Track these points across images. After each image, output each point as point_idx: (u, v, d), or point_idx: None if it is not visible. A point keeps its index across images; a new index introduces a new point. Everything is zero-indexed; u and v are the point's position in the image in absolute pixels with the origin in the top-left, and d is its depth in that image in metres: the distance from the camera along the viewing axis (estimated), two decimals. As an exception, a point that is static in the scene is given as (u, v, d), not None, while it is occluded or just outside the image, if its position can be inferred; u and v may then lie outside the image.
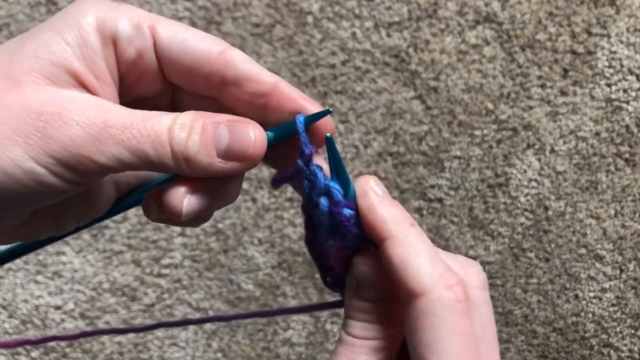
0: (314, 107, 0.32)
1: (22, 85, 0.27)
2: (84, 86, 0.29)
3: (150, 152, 0.28)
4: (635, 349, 0.89)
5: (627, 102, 0.89)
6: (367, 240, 0.30)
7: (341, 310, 0.77)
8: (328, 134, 0.31)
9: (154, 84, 0.31)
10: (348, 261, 0.31)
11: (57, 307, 0.87)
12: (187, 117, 0.29)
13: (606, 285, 0.89)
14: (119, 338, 0.87)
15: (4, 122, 0.26)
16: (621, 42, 0.89)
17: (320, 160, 0.33)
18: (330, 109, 0.31)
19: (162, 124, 0.28)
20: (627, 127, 0.89)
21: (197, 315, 0.88)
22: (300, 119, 0.31)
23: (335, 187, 0.30)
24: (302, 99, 0.32)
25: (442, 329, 0.26)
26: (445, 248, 0.89)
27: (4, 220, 0.29)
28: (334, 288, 0.33)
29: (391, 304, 0.29)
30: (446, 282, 0.27)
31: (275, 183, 0.35)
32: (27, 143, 0.26)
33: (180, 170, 0.29)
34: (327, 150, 0.31)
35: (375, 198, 0.29)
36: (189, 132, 0.29)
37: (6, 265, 0.87)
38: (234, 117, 0.31)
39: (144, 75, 0.30)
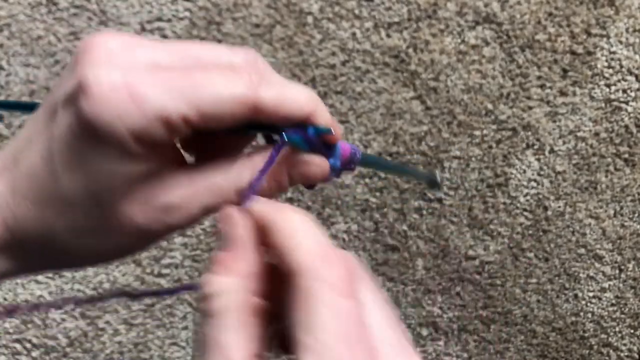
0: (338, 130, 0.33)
1: (120, 207, 0.29)
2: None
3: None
4: (635, 348, 0.89)
5: (627, 103, 0.89)
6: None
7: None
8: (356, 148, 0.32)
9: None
10: None
11: (58, 307, 0.87)
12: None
13: (605, 285, 0.89)
14: (119, 338, 0.87)
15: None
16: (620, 42, 0.89)
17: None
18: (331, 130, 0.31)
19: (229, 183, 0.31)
20: (627, 127, 0.89)
21: (198, 315, 0.88)
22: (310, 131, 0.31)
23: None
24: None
25: (318, 308, 0.25)
26: (445, 248, 0.89)
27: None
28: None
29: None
30: (327, 260, 0.26)
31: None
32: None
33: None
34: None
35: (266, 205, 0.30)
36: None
37: (7, 265, 0.87)
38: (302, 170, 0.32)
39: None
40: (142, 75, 0.27)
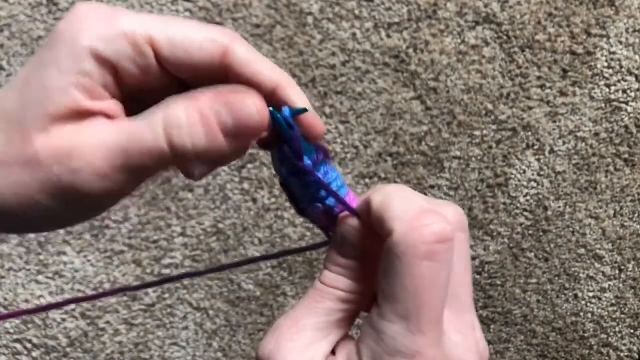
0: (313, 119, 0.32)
1: (32, 135, 0.28)
2: (88, 113, 0.29)
3: (156, 165, 0.29)
4: (635, 348, 0.89)
5: (626, 103, 0.89)
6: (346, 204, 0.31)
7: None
8: (271, 108, 0.30)
9: (160, 81, 0.31)
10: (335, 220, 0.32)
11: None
12: (181, 113, 0.28)
13: (605, 285, 0.89)
14: (120, 338, 0.87)
15: (25, 177, 0.28)
16: (620, 42, 0.89)
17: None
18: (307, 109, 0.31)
19: (156, 133, 0.28)
20: (626, 127, 0.89)
21: (198, 315, 0.88)
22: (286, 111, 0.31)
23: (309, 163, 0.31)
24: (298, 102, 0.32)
25: (401, 266, 0.27)
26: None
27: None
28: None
29: (368, 267, 0.30)
30: (416, 222, 0.27)
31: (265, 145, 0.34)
32: (50, 194, 0.29)
33: (194, 161, 0.30)
34: (279, 126, 0.30)
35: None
36: (189, 132, 0.28)
37: (7, 265, 0.87)
38: (228, 90, 0.29)
39: (148, 81, 0.30)
40: (123, 9, 0.29)
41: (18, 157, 0.28)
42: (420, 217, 0.27)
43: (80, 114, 0.29)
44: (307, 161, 0.31)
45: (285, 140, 0.30)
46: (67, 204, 0.29)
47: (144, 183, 0.32)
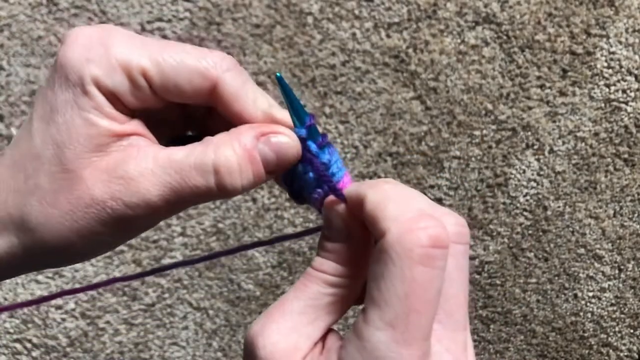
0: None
1: (80, 173, 0.29)
2: (123, 135, 0.31)
3: (202, 199, 0.30)
4: (634, 348, 0.89)
5: (626, 103, 0.89)
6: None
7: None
8: (278, 73, 0.31)
9: (161, 103, 0.32)
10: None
11: (58, 307, 0.87)
12: (230, 155, 0.30)
13: (605, 285, 0.89)
14: (120, 338, 0.87)
15: (81, 217, 0.30)
16: (620, 42, 0.89)
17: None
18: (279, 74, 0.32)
19: (207, 176, 0.30)
20: (626, 127, 0.89)
21: (198, 315, 0.88)
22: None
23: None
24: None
25: (393, 269, 0.26)
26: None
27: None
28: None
29: (355, 251, 0.30)
30: (413, 224, 0.26)
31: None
32: (103, 231, 0.30)
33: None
34: (280, 89, 0.31)
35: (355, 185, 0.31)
36: (239, 175, 0.30)
37: (7, 265, 0.87)
38: (262, 127, 0.31)
39: (149, 105, 0.31)
40: (117, 32, 0.30)
41: (70, 198, 0.29)
42: (418, 220, 0.26)
43: (118, 135, 0.30)
44: (312, 146, 0.32)
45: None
46: (114, 231, 0.30)
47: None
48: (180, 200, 0.30)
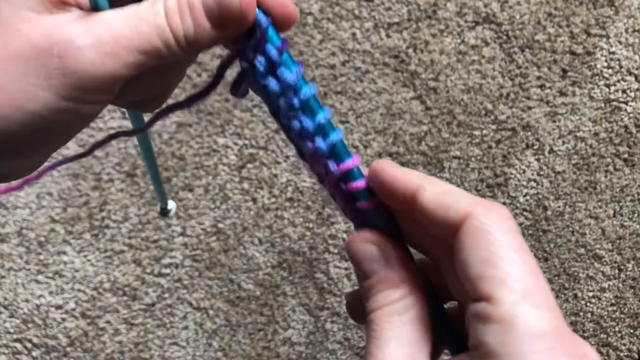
0: None
1: (18, 27, 0.26)
2: (64, 3, 0.28)
3: (161, 48, 0.28)
4: (634, 348, 0.89)
5: (626, 103, 0.89)
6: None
7: (342, 310, 0.78)
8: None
9: None
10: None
11: (58, 307, 0.87)
12: (172, 2, 0.28)
13: (605, 285, 0.89)
14: (120, 337, 0.87)
15: (22, 71, 0.26)
16: (620, 42, 0.89)
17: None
18: None
19: (160, 15, 0.28)
20: (626, 127, 0.89)
21: (198, 315, 0.88)
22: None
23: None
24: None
25: (499, 243, 0.26)
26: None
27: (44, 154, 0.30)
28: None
29: (397, 262, 0.29)
30: (488, 205, 0.27)
31: (236, 87, 0.32)
32: (52, 85, 0.26)
33: (187, 54, 0.29)
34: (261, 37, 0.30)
35: (391, 166, 0.30)
36: (181, 16, 0.28)
37: (7, 265, 0.87)
38: None
39: None
40: None
41: (9, 52, 0.26)
42: (486, 202, 0.27)
43: (57, 5, 0.27)
44: (286, 74, 0.30)
45: (261, 50, 0.30)
46: (70, 95, 0.27)
47: (143, 79, 0.31)
48: (138, 46, 0.27)
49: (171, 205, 0.49)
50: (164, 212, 0.44)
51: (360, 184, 0.30)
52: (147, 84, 0.31)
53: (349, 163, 0.30)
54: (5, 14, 0.26)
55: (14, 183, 0.37)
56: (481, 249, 0.26)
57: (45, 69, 0.26)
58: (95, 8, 0.28)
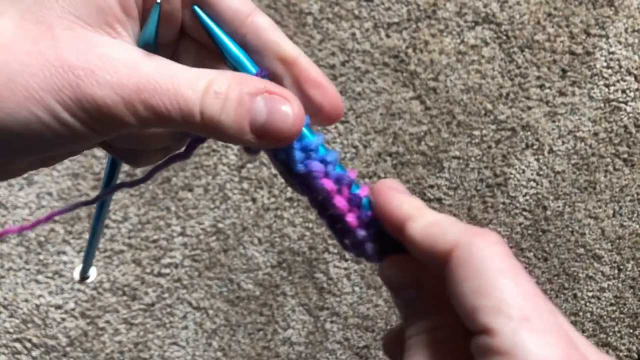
0: (330, 88, 0.30)
1: (55, 30, 0.26)
2: (115, 23, 0.27)
3: (177, 119, 0.27)
4: (634, 348, 0.89)
5: (626, 103, 0.89)
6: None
7: (342, 310, 0.79)
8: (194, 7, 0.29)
9: (170, 32, 0.30)
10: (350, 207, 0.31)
11: (58, 307, 0.87)
12: (224, 84, 0.27)
13: (604, 285, 0.89)
14: (120, 337, 0.87)
15: (37, 72, 0.25)
16: (619, 42, 0.89)
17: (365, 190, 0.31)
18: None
19: (195, 91, 0.26)
20: (626, 127, 0.89)
21: (198, 315, 0.88)
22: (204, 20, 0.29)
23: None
24: (319, 77, 0.30)
25: (488, 270, 0.25)
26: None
27: (29, 159, 0.30)
28: (352, 250, 0.32)
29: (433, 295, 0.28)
30: (476, 232, 0.26)
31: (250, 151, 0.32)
32: (60, 96, 0.26)
33: (206, 135, 0.28)
34: (206, 27, 0.29)
35: (388, 190, 0.29)
36: (224, 102, 0.27)
37: (7, 265, 0.87)
38: (272, 87, 0.28)
39: (164, 22, 0.29)
40: None
41: (39, 51, 0.26)
42: (473, 230, 0.26)
43: (109, 25, 0.27)
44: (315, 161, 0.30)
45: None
46: (73, 112, 0.26)
47: (145, 140, 0.30)
48: (153, 106, 0.26)
49: (92, 272, 0.48)
50: (83, 279, 0.44)
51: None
52: (151, 137, 0.31)
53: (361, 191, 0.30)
54: (57, 10, 0.26)
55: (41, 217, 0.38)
56: (471, 279, 0.25)
57: (60, 81, 0.26)
58: (142, 44, 0.28)
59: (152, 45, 0.28)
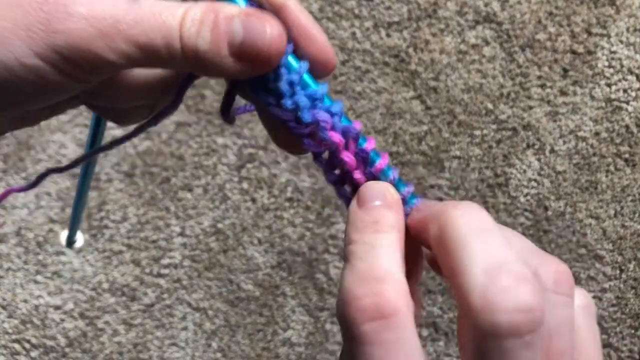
0: (320, 36, 0.29)
1: None
2: None
3: (161, 49, 0.26)
4: (635, 349, 0.89)
5: (627, 102, 0.89)
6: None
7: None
8: None
9: None
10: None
11: (57, 307, 0.87)
12: (198, 10, 0.26)
13: (606, 285, 0.89)
14: (119, 338, 0.87)
15: (4, 14, 0.24)
16: (621, 42, 0.89)
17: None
18: None
19: (174, 18, 0.26)
20: (627, 127, 0.89)
21: (197, 316, 0.88)
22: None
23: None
24: (308, 24, 0.28)
25: (489, 352, 0.22)
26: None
27: (3, 115, 0.28)
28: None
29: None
30: (501, 282, 0.23)
31: (225, 112, 0.30)
32: (30, 37, 0.24)
33: (190, 68, 0.27)
34: None
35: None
36: (199, 27, 0.26)
37: (5, 265, 0.87)
38: (250, 10, 0.27)
39: None
40: None
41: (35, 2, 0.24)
42: (497, 275, 0.23)
43: None
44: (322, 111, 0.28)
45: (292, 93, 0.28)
46: (45, 55, 0.25)
47: (129, 81, 0.29)
48: (135, 38, 0.25)
49: (79, 237, 0.47)
50: (70, 243, 0.43)
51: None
52: (133, 89, 0.30)
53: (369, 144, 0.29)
54: None
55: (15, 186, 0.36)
56: (446, 263, 0.25)
57: (29, 20, 0.24)
58: None
59: None
